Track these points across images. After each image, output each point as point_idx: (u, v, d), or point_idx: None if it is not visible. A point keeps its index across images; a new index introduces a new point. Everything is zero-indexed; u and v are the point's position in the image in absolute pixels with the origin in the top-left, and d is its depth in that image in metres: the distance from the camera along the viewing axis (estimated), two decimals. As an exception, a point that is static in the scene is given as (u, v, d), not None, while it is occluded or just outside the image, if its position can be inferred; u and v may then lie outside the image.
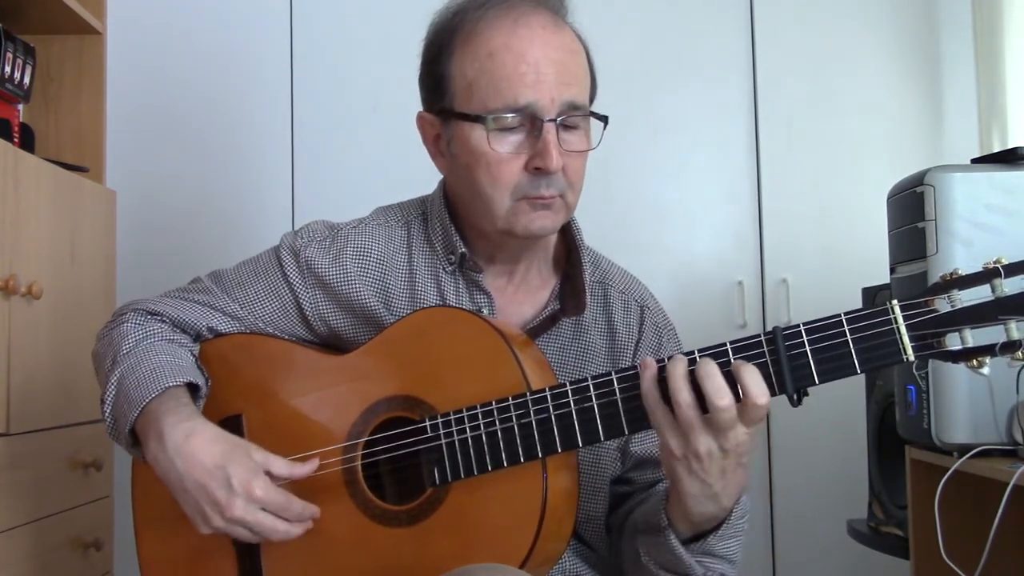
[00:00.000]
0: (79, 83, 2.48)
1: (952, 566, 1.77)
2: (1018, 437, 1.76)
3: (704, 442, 1.07)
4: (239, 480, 1.17)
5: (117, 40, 2.63)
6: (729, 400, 1.05)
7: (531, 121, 1.21)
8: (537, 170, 1.22)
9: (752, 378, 1.05)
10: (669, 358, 1.09)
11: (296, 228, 1.41)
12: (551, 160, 1.20)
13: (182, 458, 1.19)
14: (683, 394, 1.06)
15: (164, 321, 1.35)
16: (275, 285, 1.36)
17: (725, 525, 1.15)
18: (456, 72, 1.25)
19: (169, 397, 1.24)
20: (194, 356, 1.33)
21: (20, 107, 2.25)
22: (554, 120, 1.21)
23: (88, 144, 2.47)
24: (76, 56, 2.48)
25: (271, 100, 2.83)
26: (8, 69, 2.10)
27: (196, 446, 1.19)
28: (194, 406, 1.26)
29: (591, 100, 1.29)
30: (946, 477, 1.80)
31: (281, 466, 1.22)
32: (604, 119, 1.27)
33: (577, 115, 1.24)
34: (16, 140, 2.15)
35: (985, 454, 1.77)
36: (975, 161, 1.94)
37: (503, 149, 1.22)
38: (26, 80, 2.17)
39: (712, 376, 1.06)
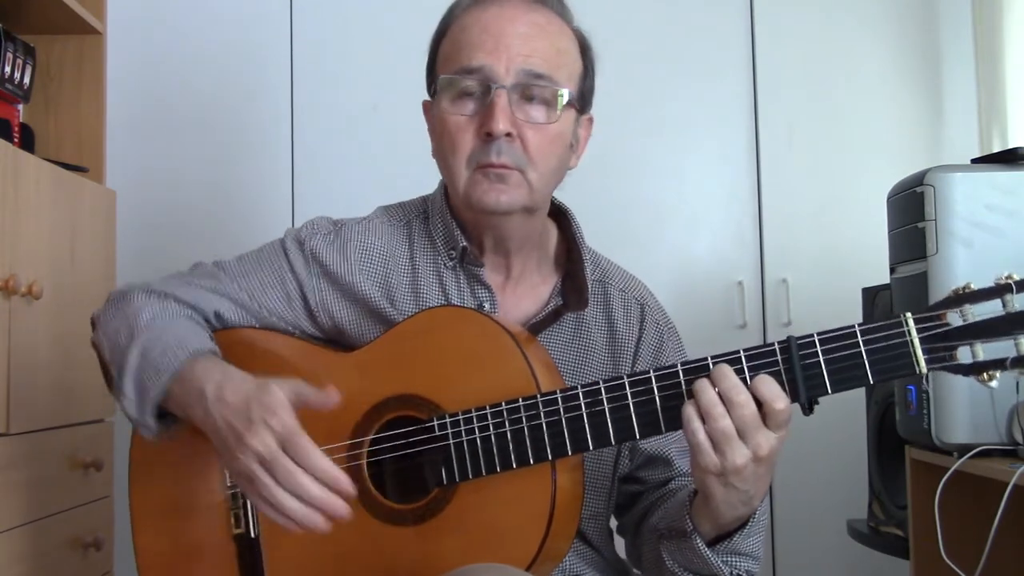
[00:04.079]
0: (79, 83, 2.48)
1: (952, 566, 1.77)
2: (1018, 437, 1.76)
3: (740, 454, 1.07)
4: (258, 412, 1.10)
5: (117, 40, 2.62)
6: (746, 396, 1.06)
7: (485, 88, 1.24)
8: (488, 136, 1.23)
9: (766, 386, 1.07)
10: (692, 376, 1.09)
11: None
12: (494, 122, 1.22)
13: (219, 405, 1.14)
14: (718, 408, 1.07)
15: (179, 302, 1.32)
16: (280, 273, 1.36)
17: (751, 523, 1.16)
18: (440, 53, 1.31)
19: (201, 358, 1.21)
20: (211, 338, 1.30)
21: (20, 107, 2.25)
22: (505, 87, 1.23)
23: (88, 144, 2.46)
24: (76, 56, 2.47)
25: (271, 100, 2.83)
26: (8, 69, 2.10)
27: (228, 391, 1.15)
28: (225, 362, 1.23)
29: (583, 95, 1.31)
30: (946, 477, 1.80)
31: (309, 391, 1.15)
32: (574, 102, 1.27)
33: (538, 85, 1.24)
34: (16, 140, 2.15)
35: (985, 454, 1.77)
36: (975, 161, 1.94)
37: (458, 112, 1.25)
38: (26, 80, 2.17)
39: (726, 376, 1.07)
